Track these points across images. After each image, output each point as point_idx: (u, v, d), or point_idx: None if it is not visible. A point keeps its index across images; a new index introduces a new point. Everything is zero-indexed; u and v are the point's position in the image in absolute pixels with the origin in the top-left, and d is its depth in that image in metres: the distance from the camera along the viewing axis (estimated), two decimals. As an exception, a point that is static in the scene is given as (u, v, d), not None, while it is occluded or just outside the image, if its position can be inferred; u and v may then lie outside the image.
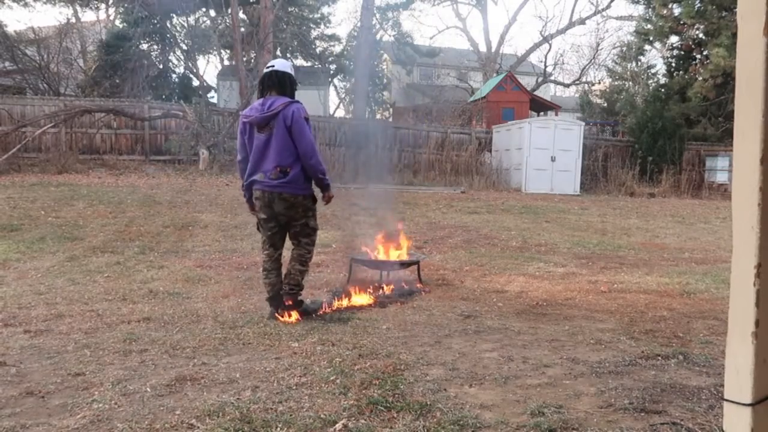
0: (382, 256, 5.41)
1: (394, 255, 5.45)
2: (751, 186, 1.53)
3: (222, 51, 26.38)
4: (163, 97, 21.87)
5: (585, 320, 4.13)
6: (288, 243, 4.17)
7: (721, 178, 17.69)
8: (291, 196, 3.91)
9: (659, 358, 3.26)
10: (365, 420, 2.37)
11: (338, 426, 2.31)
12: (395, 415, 2.42)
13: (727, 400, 1.56)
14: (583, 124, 18.21)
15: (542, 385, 2.81)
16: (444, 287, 5.23)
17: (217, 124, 16.43)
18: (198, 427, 2.29)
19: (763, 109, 1.38)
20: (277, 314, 3.99)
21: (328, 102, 27.85)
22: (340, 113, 28.99)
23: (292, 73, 4.11)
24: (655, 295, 4.97)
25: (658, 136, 17.52)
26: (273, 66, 4.08)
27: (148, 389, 2.68)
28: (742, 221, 1.57)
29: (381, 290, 4.95)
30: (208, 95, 24.99)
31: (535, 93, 25.28)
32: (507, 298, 4.80)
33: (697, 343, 3.58)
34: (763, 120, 1.39)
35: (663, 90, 20.75)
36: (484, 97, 21.27)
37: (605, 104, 26.52)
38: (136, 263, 5.95)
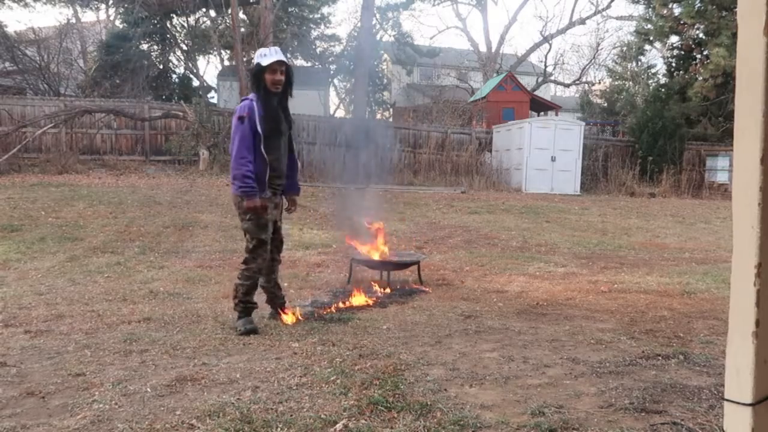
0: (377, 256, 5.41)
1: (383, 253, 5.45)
2: (752, 185, 1.52)
3: (222, 51, 26.38)
4: (163, 97, 21.86)
5: (585, 320, 4.13)
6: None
7: (721, 177, 17.68)
8: (233, 195, 3.79)
9: (660, 357, 3.26)
10: (366, 420, 2.37)
11: (339, 426, 2.31)
12: (396, 415, 2.42)
13: (727, 400, 1.56)
14: (584, 124, 18.20)
15: (543, 385, 2.81)
16: (444, 287, 5.23)
17: (217, 124, 16.42)
18: (198, 428, 2.29)
19: (763, 109, 1.38)
20: (279, 313, 3.99)
21: (329, 102, 27.87)
22: (341, 113, 29.01)
23: (257, 60, 3.78)
24: (655, 295, 4.97)
25: (659, 136, 17.51)
26: None
27: (149, 389, 2.68)
28: (742, 221, 1.57)
29: (381, 290, 4.96)
30: (208, 95, 24.99)
31: (536, 93, 25.28)
32: (507, 298, 4.80)
33: (698, 342, 3.58)
34: (764, 119, 1.39)
35: (663, 90, 20.74)
36: (485, 97, 21.27)
37: (605, 104, 26.52)
38: (137, 263, 5.96)
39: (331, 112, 27.86)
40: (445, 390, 2.71)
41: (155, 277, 5.35)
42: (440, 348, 3.39)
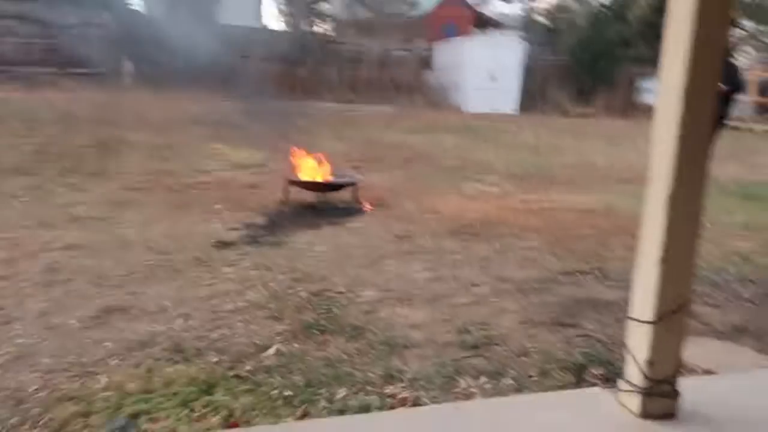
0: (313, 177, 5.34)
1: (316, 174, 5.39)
2: (672, 116, 1.56)
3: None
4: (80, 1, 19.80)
5: (514, 239, 4.30)
6: None
7: (651, 99, 18.32)
8: None
9: (578, 274, 3.47)
10: (299, 344, 2.42)
11: (271, 351, 2.35)
12: (328, 338, 2.48)
13: (631, 318, 1.69)
14: (525, 42, 18.11)
15: (469, 304, 2.95)
16: (380, 208, 5.26)
17: (141, 33, 15.16)
18: (128, 359, 2.27)
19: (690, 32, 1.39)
20: None
21: (261, 11, 26.11)
22: (277, 26, 27.38)
23: None
24: (581, 214, 5.22)
25: (598, 57, 17.76)
26: None
27: (75, 321, 2.61)
28: (659, 150, 1.62)
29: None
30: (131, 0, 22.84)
31: (479, 9, 24.71)
32: (442, 219, 4.91)
33: (614, 259, 3.83)
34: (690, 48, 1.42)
35: (604, 11, 20.77)
36: (427, 12, 20.61)
37: (550, 24, 26.35)
38: (56, 186, 5.60)
39: (265, 23, 26.21)
40: (377, 311, 2.79)
41: (78, 201, 5.07)
42: (373, 269, 3.46)
